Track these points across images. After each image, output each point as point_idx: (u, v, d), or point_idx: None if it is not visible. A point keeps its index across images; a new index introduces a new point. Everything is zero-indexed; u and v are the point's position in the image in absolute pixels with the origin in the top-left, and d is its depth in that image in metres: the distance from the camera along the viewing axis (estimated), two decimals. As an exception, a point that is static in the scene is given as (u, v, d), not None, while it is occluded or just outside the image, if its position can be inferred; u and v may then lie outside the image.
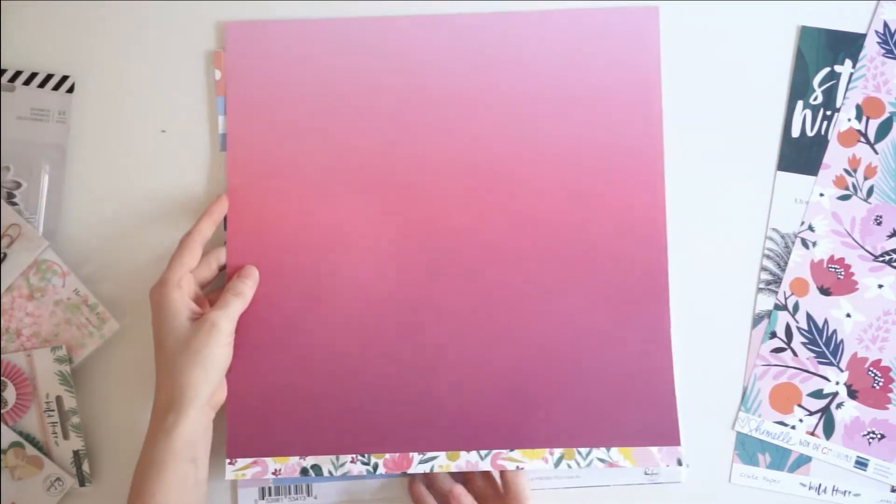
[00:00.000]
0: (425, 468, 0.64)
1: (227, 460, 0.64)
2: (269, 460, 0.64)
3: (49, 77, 0.68)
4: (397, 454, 0.65)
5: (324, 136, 0.66)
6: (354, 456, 0.65)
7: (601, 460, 0.64)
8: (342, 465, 0.64)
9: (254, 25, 0.67)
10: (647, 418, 0.65)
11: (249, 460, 0.65)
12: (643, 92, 0.67)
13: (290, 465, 0.64)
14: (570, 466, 0.64)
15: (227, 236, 0.66)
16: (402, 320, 0.65)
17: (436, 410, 0.65)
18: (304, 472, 0.64)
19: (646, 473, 0.66)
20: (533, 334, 0.65)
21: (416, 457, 0.65)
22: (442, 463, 0.64)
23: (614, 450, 0.64)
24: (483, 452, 0.65)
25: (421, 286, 0.66)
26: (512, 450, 0.65)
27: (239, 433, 0.64)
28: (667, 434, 0.64)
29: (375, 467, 0.64)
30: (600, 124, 0.66)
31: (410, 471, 0.64)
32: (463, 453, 0.65)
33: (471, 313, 0.65)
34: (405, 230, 0.66)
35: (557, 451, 0.64)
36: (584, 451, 0.64)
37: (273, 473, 0.64)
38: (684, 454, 0.65)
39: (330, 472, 0.64)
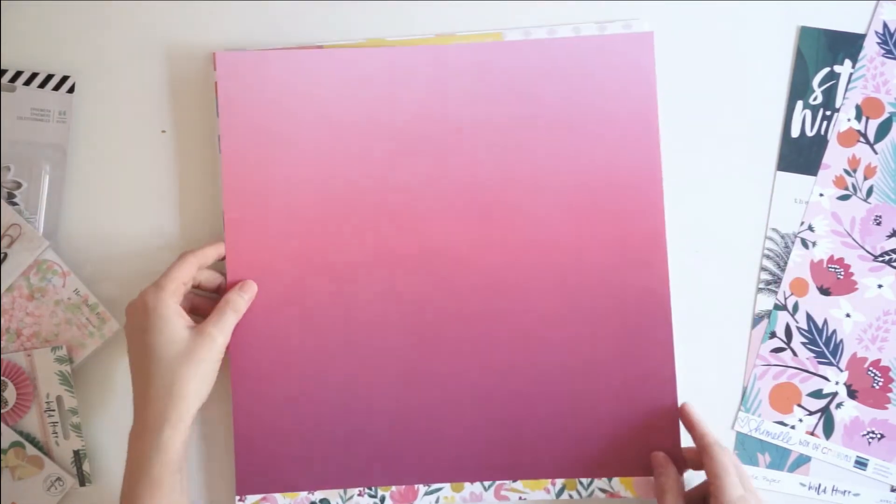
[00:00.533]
0: (430, 500, 0.65)
1: (237, 497, 0.65)
2: (278, 496, 0.65)
3: (49, 77, 0.68)
4: (403, 486, 0.65)
5: (321, 166, 0.65)
6: (362, 489, 0.65)
7: (602, 490, 0.65)
8: (350, 498, 0.65)
9: (244, 56, 0.66)
10: (651, 447, 0.64)
11: (259, 497, 0.65)
12: (640, 118, 0.66)
13: (300, 500, 0.65)
14: (571, 497, 0.65)
15: (227, 269, 0.65)
16: (404, 354, 0.65)
17: (439, 442, 0.65)
18: None
19: (646, 473, 0.66)
20: (535, 364, 0.65)
21: (422, 488, 0.65)
22: (447, 494, 0.65)
23: (616, 480, 0.65)
24: (486, 483, 0.65)
25: (421, 318, 0.65)
26: (515, 480, 0.65)
27: (247, 470, 0.65)
28: None
29: (382, 500, 0.65)
30: (598, 151, 0.66)
31: (416, 503, 0.65)
32: (467, 484, 0.65)
33: (472, 344, 0.65)
34: (405, 260, 0.65)
35: (559, 482, 0.65)
36: (585, 481, 0.65)
37: None
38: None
39: None
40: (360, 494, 0.65)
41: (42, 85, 0.68)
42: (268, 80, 0.66)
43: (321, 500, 0.65)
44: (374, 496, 0.65)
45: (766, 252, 0.68)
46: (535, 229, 0.66)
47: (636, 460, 0.65)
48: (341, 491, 0.65)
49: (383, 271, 0.65)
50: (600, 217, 0.66)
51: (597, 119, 0.66)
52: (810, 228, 0.68)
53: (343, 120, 0.66)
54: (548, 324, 0.65)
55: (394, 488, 0.65)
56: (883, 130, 0.68)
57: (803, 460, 0.66)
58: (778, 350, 0.67)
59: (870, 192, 0.68)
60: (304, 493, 0.65)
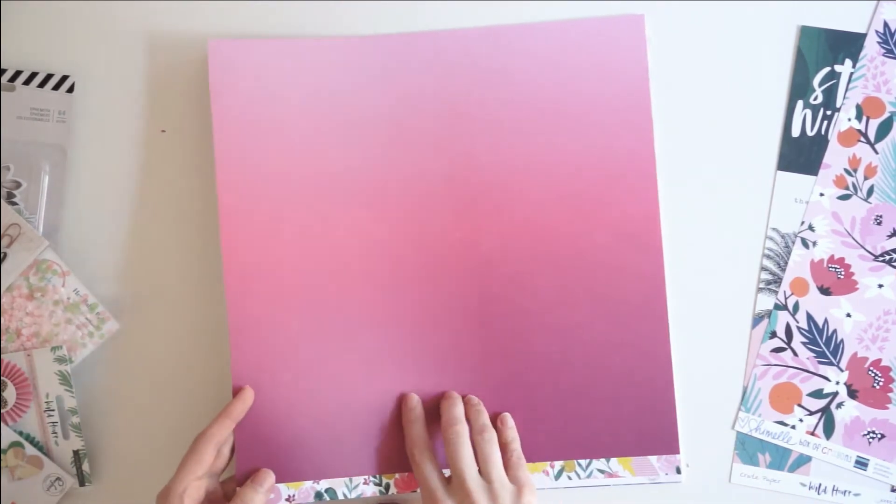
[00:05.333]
0: None
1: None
2: (281, 486, 0.64)
3: (49, 77, 0.68)
4: (406, 473, 0.65)
5: (314, 153, 0.66)
6: (367, 477, 0.65)
7: (601, 471, 0.65)
8: (356, 486, 0.65)
9: (237, 44, 0.66)
10: (647, 428, 0.65)
11: None
12: (632, 100, 0.66)
13: (305, 489, 0.64)
14: (570, 479, 0.65)
15: (224, 259, 0.65)
16: (403, 338, 0.65)
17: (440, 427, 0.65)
18: (318, 495, 0.64)
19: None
20: (531, 348, 0.65)
21: None
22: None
23: (614, 460, 0.65)
24: None
25: (420, 303, 0.65)
26: None
27: (249, 462, 0.64)
28: (666, 443, 0.65)
29: (388, 487, 0.65)
30: (591, 134, 0.66)
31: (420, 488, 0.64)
32: None
33: (469, 328, 0.65)
34: (402, 247, 0.65)
35: (558, 464, 0.65)
36: (583, 462, 0.65)
37: (287, 499, 0.64)
38: (683, 461, 0.65)
39: (344, 495, 0.64)
40: (365, 483, 0.65)
41: (42, 84, 0.68)
42: (260, 69, 0.66)
43: (327, 489, 0.64)
44: (379, 484, 0.65)
45: (767, 252, 0.68)
46: (531, 214, 0.66)
47: (633, 440, 0.65)
48: (347, 479, 0.64)
49: (380, 259, 0.65)
50: (595, 197, 0.66)
51: (589, 102, 0.66)
52: (811, 228, 0.68)
53: (336, 108, 0.66)
54: (544, 308, 0.65)
55: (398, 475, 0.65)
56: (883, 130, 0.68)
57: (804, 460, 0.66)
58: (778, 350, 0.67)
59: (870, 191, 0.67)
60: (309, 483, 0.64)
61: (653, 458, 0.65)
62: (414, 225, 0.66)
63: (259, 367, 0.65)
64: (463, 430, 0.62)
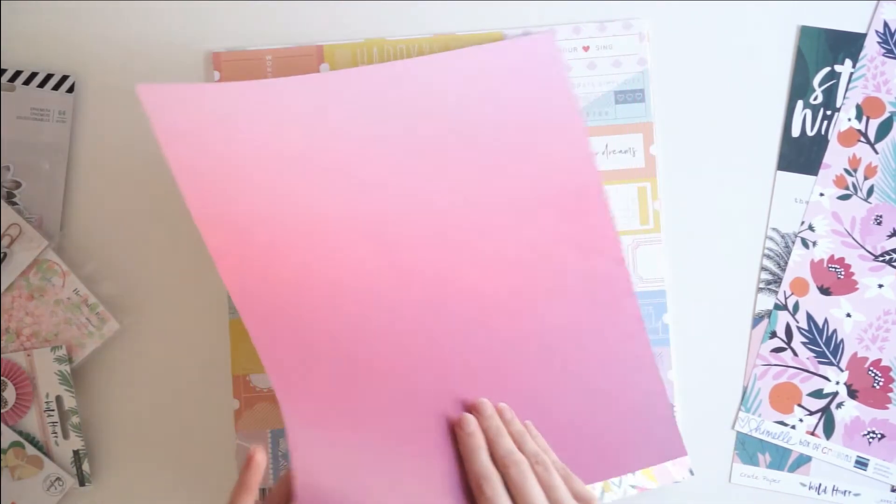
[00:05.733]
0: None
1: None
2: None
3: (49, 77, 0.68)
4: None
5: (274, 195, 0.59)
6: None
7: (633, 486, 0.65)
8: None
9: (172, 89, 0.58)
10: (654, 439, 0.65)
11: None
12: (561, 116, 0.66)
13: None
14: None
15: (237, 305, 0.56)
16: (402, 381, 0.60)
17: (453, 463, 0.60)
18: None
19: (646, 473, 0.66)
20: (524, 384, 0.63)
21: None
22: None
23: (639, 474, 0.65)
24: None
25: (412, 341, 0.61)
26: None
27: None
28: (673, 448, 0.65)
29: None
30: (528, 157, 0.65)
31: None
32: None
33: (462, 370, 0.62)
34: (381, 285, 0.61)
35: (597, 486, 0.64)
36: (616, 480, 0.64)
37: None
38: (692, 463, 0.65)
39: None
40: None
41: (42, 84, 0.68)
42: (200, 110, 0.59)
43: None
44: None
45: (767, 252, 0.68)
46: (492, 243, 0.64)
47: (647, 453, 0.65)
48: None
49: (370, 296, 0.61)
50: (549, 219, 0.65)
51: (518, 124, 0.65)
52: (811, 228, 0.68)
53: (276, 147, 0.60)
54: (525, 342, 0.63)
55: None
56: (883, 130, 0.68)
57: (804, 460, 0.66)
58: (778, 350, 0.67)
59: (870, 191, 0.68)
60: None
61: (668, 465, 0.65)
62: (384, 262, 0.61)
63: (311, 425, 0.55)
64: (524, 463, 0.57)
